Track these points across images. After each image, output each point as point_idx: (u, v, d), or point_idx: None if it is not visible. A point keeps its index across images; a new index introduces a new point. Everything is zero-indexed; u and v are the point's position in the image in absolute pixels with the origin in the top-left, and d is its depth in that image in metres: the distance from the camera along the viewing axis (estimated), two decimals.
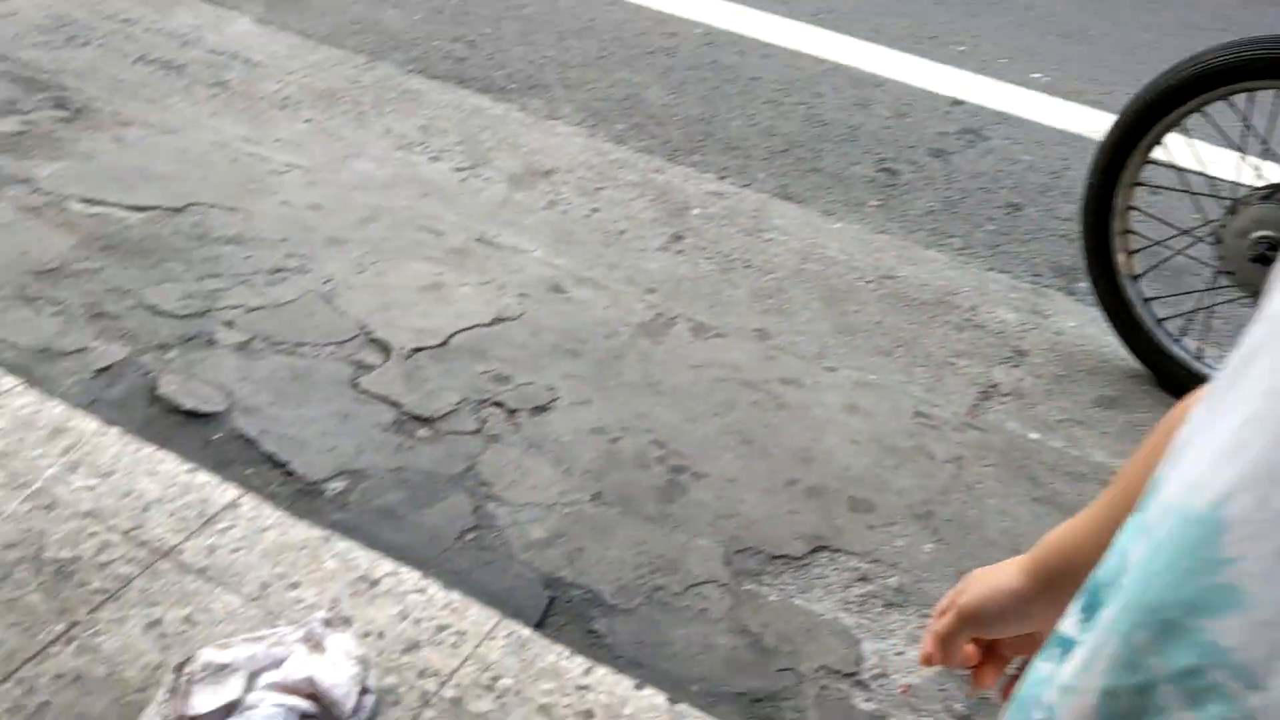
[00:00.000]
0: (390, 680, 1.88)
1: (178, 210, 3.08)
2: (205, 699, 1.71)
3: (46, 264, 2.79)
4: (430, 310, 2.86)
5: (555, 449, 2.46)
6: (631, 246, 3.27)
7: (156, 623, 1.93)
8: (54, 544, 2.04)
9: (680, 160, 3.75)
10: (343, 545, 2.11)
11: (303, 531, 2.13)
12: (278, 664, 1.79)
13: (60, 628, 1.91)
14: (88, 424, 2.29)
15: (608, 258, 3.21)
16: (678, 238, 3.34)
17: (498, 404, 2.57)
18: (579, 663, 1.93)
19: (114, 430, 2.29)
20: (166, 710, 1.71)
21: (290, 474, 2.30)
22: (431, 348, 2.73)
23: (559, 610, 2.09)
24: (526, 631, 1.98)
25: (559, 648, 1.95)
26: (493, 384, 2.64)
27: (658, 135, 3.87)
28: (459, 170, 3.55)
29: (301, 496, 2.25)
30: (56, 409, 2.31)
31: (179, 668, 1.76)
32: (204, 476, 2.21)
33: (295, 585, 2.03)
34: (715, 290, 3.12)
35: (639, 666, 1.99)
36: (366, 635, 1.94)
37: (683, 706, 1.87)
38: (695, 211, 3.49)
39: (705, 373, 2.77)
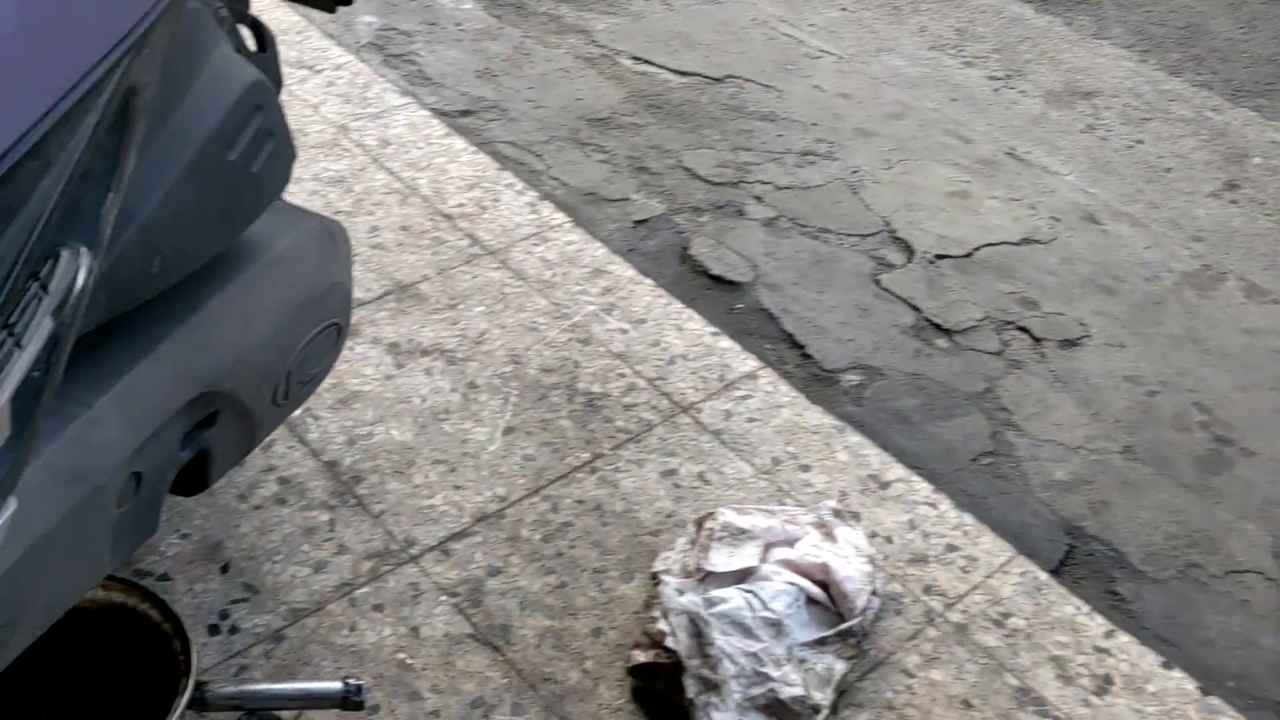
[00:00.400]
0: (894, 588, 1.81)
1: (716, 80, 3.10)
2: (722, 558, 1.71)
3: (597, 113, 2.90)
4: (955, 218, 2.72)
5: (1083, 389, 2.27)
6: (1178, 188, 2.95)
7: (672, 473, 1.97)
8: (586, 377, 2.12)
9: (1242, 102, 3.33)
10: (855, 439, 2.05)
11: (816, 417, 2.09)
12: (791, 542, 1.76)
13: (586, 456, 1.98)
14: (625, 270, 2.36)
15: (1149, 195, 2.91)
16: (1233, 186, 2.97)
17: (1023, 329, 2.40)
18: (1099, 623, 1.77)
19: (648, 281, 2.34)
20: (686, 560, 1.73)
21: (807, 357, 2.26)
22: (955, 257, 2.59)
23: (1079, 561, 1.93)
24: (1043, 575, 1.84)
25: (1077, 601, 1.80)
26: (1018, 306, 2.46)
27: (1219, 71, 3.46)
28: (993, 79, 3.34)
29: (816, 382, 2.21)
30: (598, 251, 2.40)
31: (700, 522, 1.78)
32: (726, 342, 2.22)
33: (805, 468, 1.99)
34: (1273, 251, 2.75)
35: (1167, 644, 1.80)
36: (873, 536, 1.88)
37: (1215, 700, 1.67)
38: (1256, 160, 3.09)
39: (1261, 340, 2.45)
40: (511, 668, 1.66)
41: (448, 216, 2.44)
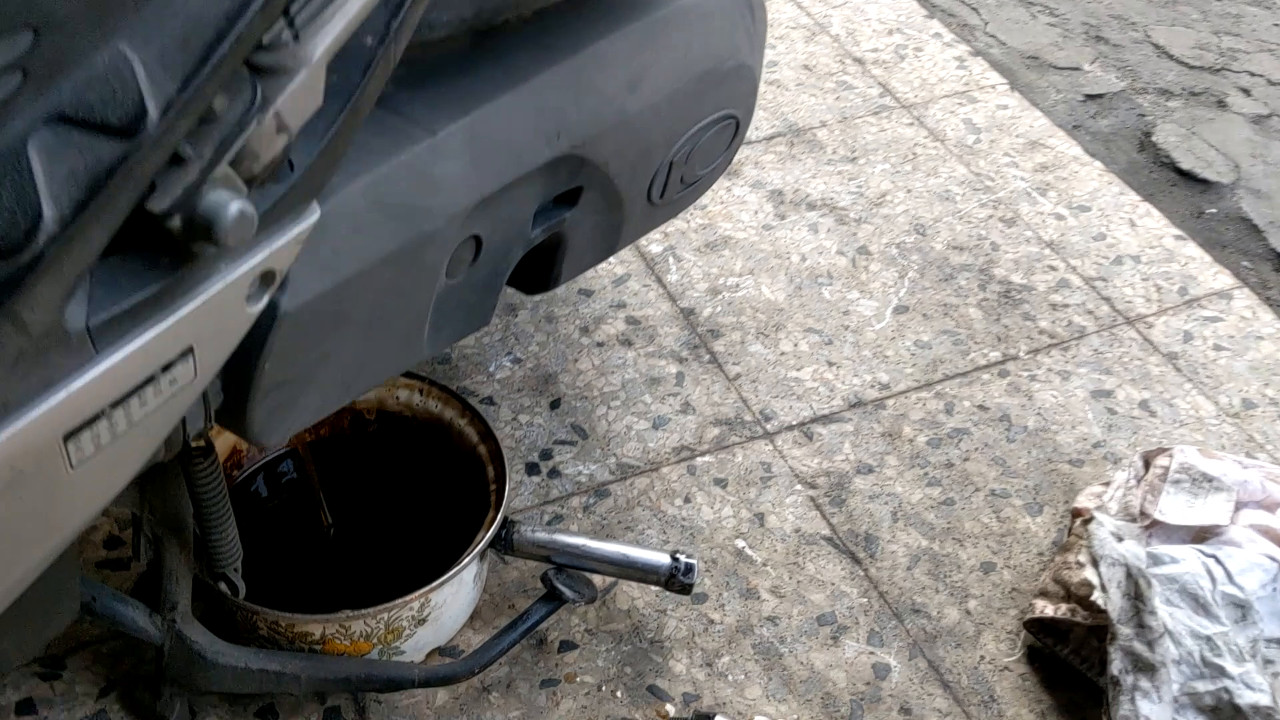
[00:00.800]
0: None
1: None
2: (1177, 508, 1.29)
3: None
4: None
5: None
6: None
7: (1105, 394, 1.54)
8: (1006, 263, 1.71)
9: None
10: None
11: None
12: (1272, 506, 1.31)
13: (995, 355, 1.59)
14: (1067, 148, 1.92)
15: None
16: None
17: None
18: None
19: (1095, 164, 1.89)
20: (1129, 499, 1.31)
21: None
22: None
23: None
24: None
25: None
26: None
27: None
28: None
29: None
30: (1037, 121, 1.96)
31: (1149, 458, 1.35)
32: (1192, 250, 1.75)
33: None
34: None
35: None
36: None
37: None
38: None
39: None
40: (873, 587, 1.32)
41: (859, 61, 2.07)
